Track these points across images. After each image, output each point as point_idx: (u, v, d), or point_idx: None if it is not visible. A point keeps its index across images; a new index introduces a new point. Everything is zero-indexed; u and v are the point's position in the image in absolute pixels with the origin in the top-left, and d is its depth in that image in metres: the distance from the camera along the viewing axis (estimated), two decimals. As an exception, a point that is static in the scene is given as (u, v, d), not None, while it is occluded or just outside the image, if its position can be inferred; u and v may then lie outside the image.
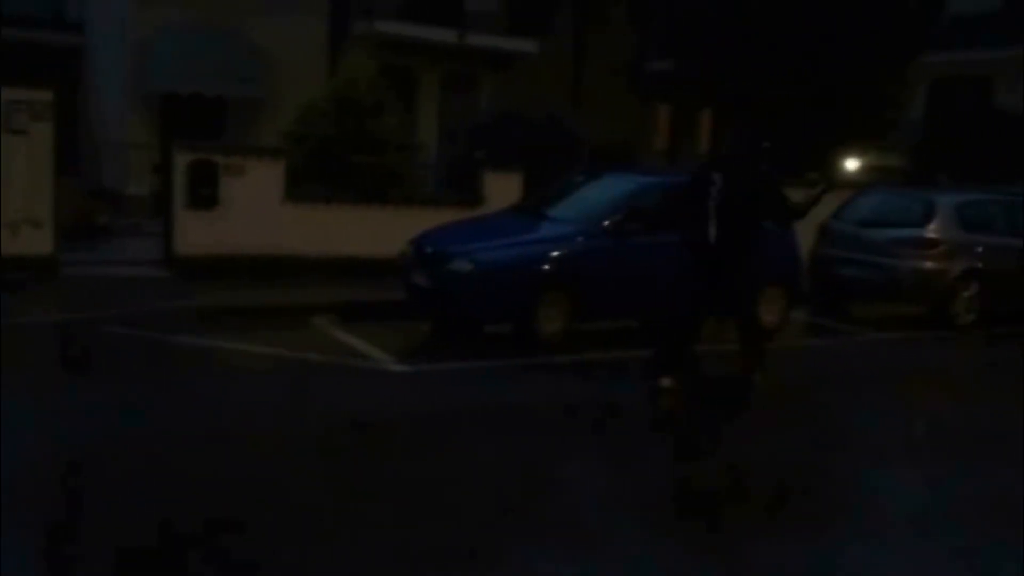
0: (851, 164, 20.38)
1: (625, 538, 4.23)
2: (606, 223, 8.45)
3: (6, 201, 9.35)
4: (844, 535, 4.47)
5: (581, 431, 6.01)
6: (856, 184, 15.21)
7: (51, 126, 9.54)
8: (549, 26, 19.25)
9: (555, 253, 8.30)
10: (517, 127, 14.37)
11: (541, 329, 8.11)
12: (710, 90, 17.79)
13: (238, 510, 4.29)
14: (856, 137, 17.96)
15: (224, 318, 8.58)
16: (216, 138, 15.33)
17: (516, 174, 11.87)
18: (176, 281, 9.94)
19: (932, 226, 10.75)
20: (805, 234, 10.52)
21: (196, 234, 10.29)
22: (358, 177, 11.25)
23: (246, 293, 9.48)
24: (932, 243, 10.68)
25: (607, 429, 6.09)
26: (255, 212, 10.45)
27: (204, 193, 10.29)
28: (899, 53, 16.75)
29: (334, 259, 10.67)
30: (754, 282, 9.03)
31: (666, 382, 6.86)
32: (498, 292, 8.01)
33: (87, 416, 5.52)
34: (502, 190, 11.33)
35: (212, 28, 16.04)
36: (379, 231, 10.62)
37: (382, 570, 3.79)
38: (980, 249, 10.83)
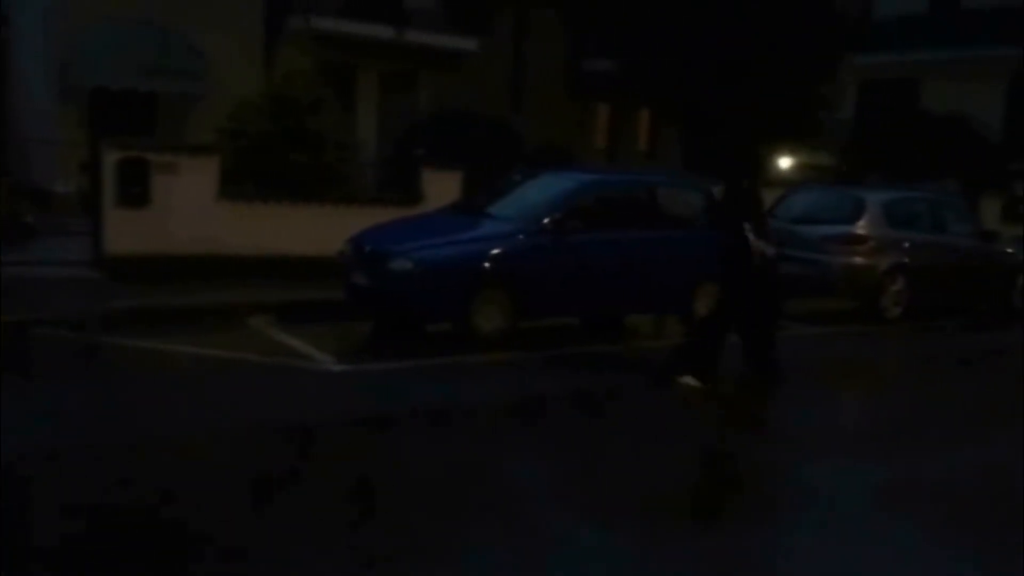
0: (784, 162, 20.87)
1: (574, 536, 4.26)
2: (545, 221, 8.50)
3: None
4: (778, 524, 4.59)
5: (520, 429, 6.03)
6: (789, 182, 15.61)
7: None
8: (489, 25, 19.27)
9: (494, 251, 8.31)
10: (457, 126, 14.38)
11: (481, 327, 8.11)
12: (646, 90, 18.03)
13: (170, 516, 4.20)
14: (787, 136, 18.41)
15: (158, 319, 8.38)
16: (147, 135, 14.96)
17: (455, 173, 11.84)
18: (106, 282, 9.67)
19: (861, 223, 11.07)
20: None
21: (127, 233, 10.02)
22: (295, 175, 11.09)
23: (180, 294, 9.26)
24: (861, 239, 11.00)
25: (546, 426, 6.12)
26: (188, 211, 10.22)
27: (135, 191, 10.02)
28: (827, 54, 17.20)
29: (271, 258, 10.51)
30: (691, 279, 9.24)
31: (691, 380, 6.99)
32: (438, 291, 7.99)
33: (9, 422, 5.34)
34: (441, 189, 11.29)
35: (143, 22, 15.65)
36: (317, 230, 10.49)
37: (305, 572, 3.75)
38: (907, 245, 11.19)
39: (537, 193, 9.14)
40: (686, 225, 9.70)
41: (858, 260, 10.95)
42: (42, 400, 5.84)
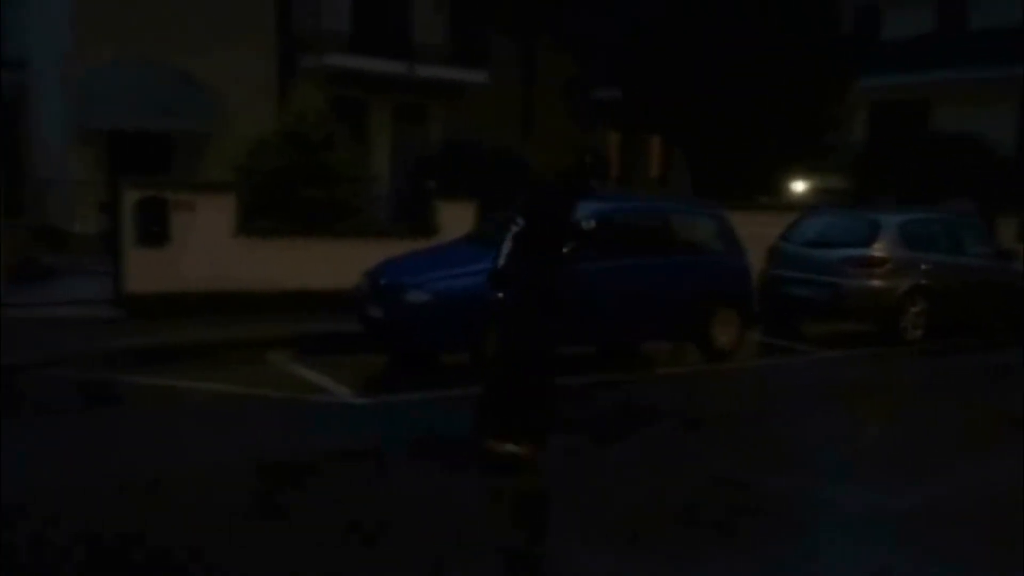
0: (798, 186, 20.87)
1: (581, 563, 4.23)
2: (560, 250, 8.49)
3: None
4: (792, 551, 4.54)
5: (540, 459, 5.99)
6: (801, 205, 15.60)
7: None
8: (496, 56, 19.47)
9: (510, 281, 8.30)
10: (467, 156, 14.47)
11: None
12: (655, 117, 18.11)
13: (191, 547, 4.20)
14: (800, 160, 18.42)
15: (178, 356, 8.43)
16: (163, 174, 15.15)
17: (469, 203, 11.90)
18: (127, 320, 9.75)
19: (877, 245, 11.03)
20: (756, 256, 10.75)
21: (147, 272, 10.12)
22: (309, 210, 11.19)
23: (200, 330, 9.32)
24: (878, 261, 10.95)
25: (568, 456, 6.09)
26: (206, 247, 10.31)
27: (154, 230, 10.13)
28: (837, 76, 17.25)
29: (287, 293, 10.57)
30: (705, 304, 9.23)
31: (510, 446, 5.51)
32: (455, 321, 7.99)
33: (26, 462, 5.36)
34: (455, 220, 11.35)
35: (156, 64, 15.90)
36: (332, 263, 10.55)
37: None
38: (924, 266, 11.13)
39: (551, 222, 9.14)
40: (700, 251, 9.70)
41: (876, 283, 10.89)
42: (61, 439, 5.87)
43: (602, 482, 5.46)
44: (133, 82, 15.72)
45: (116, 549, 4.20)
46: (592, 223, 6.12)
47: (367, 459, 5.75)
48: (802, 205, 15.90)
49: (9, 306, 9.56)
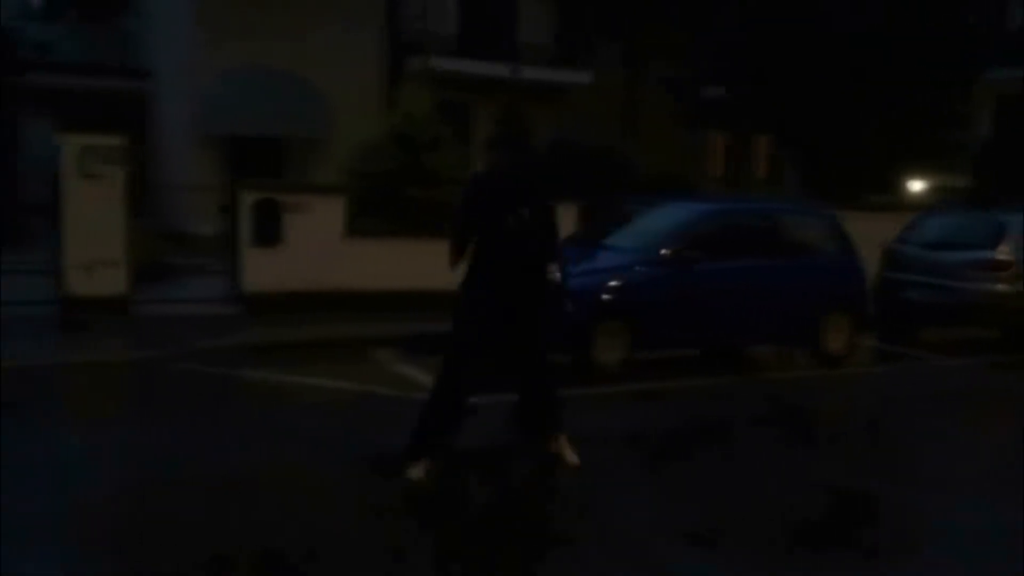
0: (915, 185, 19.99)
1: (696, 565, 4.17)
2: (664, 252, 8.42)
3: (81, 243, 9.71)
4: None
5: (641, 460, 5.95)
6: (920, 206, 14.95)
7: (123, 170, 9.91)
8: (600, 56, 19.38)
9: (613, 283, 8.29)
10: (570, 157, 14.44)
11: (601, 359, 8.08)
12: (765, 115, 17.66)
13: (304, 542, 4.35)
14: (920, 157, 17.63)
15: (290, 353, 8.74)
16: (276, 177, 15.72)
17: (572, 205, 11.88)
18: (244, 317, 10.17)
19: (1003, 247, 10.47)
20: (870, 258, 10.37)
21: (262, 271, 10.53)
22: (416, 211, 11.40)
23: (310, 327, 9.65)
24: (1004, 265, 10.40)
25: (668, 457, 6.02)
26: (317, 248, 10.65)
27: (269, 231, 10.53)
28: (962, 71, 16.43)
29: (394, 292, 10.80)
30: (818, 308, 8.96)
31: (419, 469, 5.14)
32: (556, 322, 8.00)
33: (157, 451, 5.66)
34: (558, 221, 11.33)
35: (271, 71, 16.51)
36: (438, 264, 10.65)
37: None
38: (1054, 269, 10.51)
39: (655, 224, 9.08)
40: (810, 253, 9.44)
41: (1000, 287, 10.35)
42: (183, 430, 6.17)
43: (710, 491, 5.37)
44: (251, 89, 16.38)
45: (231, 541, 4.39)
46: (526, 212, 5.31)
47: (473, 457, 5.82)
48: (920, 205, 15.25)
49: (140, 303, 10.11)
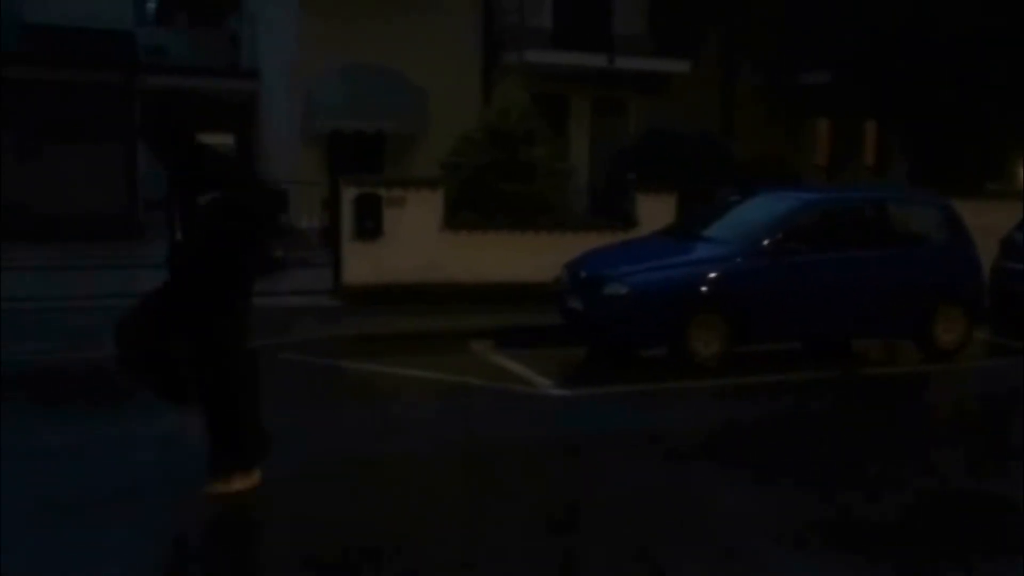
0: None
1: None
2: (765, 243, 8.24)
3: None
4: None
5: (736, 455, 5.85)
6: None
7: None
8: (696, 45, 19.02)
9: (712, 275, 8.17)
10: (667, 147, 14.24)
11: (697, 352, 7.97)
12: (873, 101, 16.99)
13: (406, 531, 4.46)
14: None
15: (389, 344, 8.95)
16: (375, 171, 16.05)
17: (669, 195, 11.74)
18: (344, 309, 10.46)
19: None
20: (988, 249, 9.88)
21: (362, 264, 10.80)
22: (511, 204, 11.47)
23: (409, 319, 9.85)
24: None
25: (763, 452, 5.91)
26: (415, 241, 10.86)
27: (369, 225, 10.79)
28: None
29: (490, 284, 10.91)
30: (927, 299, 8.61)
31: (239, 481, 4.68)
32: (653, 315, 7.95)
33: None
34: (655, 212, 11.24)
35: (371, 67, 16.86)
36: (533, 256, 10.78)
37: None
38: None
39: (754, 214, 8.89)
40: (921, 243, 9.08)
41: None
42: (296, 418, 6.40)
43: (812, 488, 5.25)
44: (352, 87, 16.77)
45: (338, 529, 4.54)
46: (208, 197, 4.72)
47: (569, 450, 5.85)
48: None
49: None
